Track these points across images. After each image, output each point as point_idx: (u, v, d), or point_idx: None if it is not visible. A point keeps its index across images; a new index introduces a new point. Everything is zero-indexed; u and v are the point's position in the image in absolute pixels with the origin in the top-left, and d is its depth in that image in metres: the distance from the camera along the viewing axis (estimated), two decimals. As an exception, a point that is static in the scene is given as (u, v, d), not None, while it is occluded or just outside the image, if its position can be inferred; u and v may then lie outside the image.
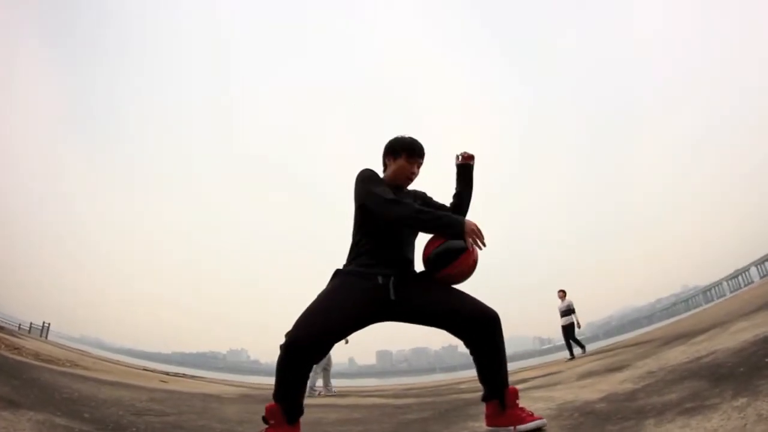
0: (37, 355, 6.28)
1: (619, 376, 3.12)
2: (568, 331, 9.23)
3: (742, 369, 1.84)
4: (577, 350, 9.27)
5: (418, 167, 1.93)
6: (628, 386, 2.40)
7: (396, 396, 5.69)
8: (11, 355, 5.46)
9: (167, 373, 11.20)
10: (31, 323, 27.02)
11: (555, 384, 3.82)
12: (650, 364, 3.28)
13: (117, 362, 13.24)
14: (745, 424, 1.15)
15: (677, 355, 3.23)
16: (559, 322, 9.36)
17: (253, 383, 12.75)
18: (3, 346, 6.40)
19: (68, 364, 6.06)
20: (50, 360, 6.07)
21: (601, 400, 2.16)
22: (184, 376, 11.96)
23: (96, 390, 3.37)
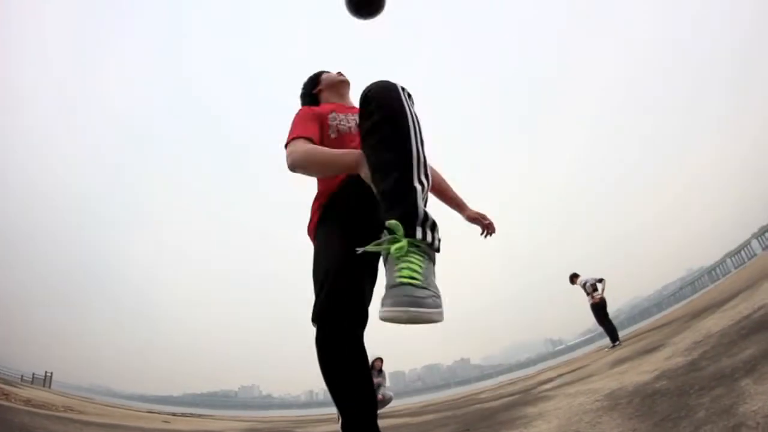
0: (28, 401, 5.86)
1: (659, 355, 2.81)
2: None
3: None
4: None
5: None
6: (680, 360, 2.09)
7: (413, 414, 5.31)
8: (-3, 404, 5.06)
9: (173, 414, 10.69)
10: (33, 373, 26.16)
11: (588, 376, 3.49)
12: (689, 336, 2.97)
13: (122, 407, 12.68)
14: None
15: (716, 322, 2.93)
16: None
17: (263, 417, 12.29)
18: (-8, 397, 5.98)
19: (62, 409, 5.65)
20: (41, 405, 5.66)
21: (657, 378, 1.85)
22: (191, 415, 11.45)
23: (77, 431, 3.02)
